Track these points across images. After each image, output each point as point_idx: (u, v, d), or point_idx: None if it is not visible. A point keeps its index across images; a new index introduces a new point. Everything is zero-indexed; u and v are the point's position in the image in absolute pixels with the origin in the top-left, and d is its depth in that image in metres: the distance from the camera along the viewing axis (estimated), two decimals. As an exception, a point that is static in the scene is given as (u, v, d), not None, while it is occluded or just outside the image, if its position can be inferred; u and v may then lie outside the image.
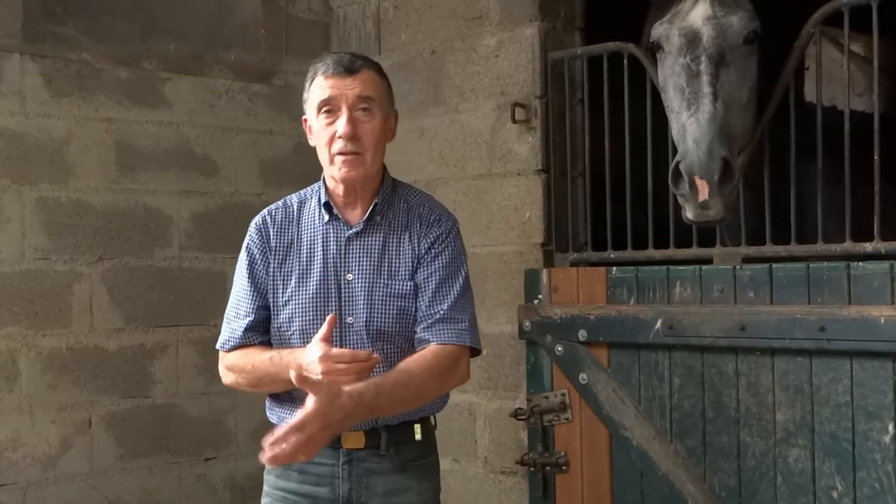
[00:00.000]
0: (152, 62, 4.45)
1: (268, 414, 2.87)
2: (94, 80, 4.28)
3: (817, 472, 3.19)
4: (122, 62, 4.37)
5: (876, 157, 3.19)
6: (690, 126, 3.10)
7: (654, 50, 3.37)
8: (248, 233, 2.86)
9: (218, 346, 2.86)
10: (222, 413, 4.62)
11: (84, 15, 4.26)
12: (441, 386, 2.74)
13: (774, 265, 3.31)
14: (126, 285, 4.36)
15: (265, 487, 2.86)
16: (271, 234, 2.82)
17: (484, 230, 4.22)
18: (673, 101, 3.25)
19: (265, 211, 2.88)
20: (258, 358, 2.74)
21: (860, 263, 3.12)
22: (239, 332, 2.79)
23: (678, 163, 3.11)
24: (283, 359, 2.68)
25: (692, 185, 3.07)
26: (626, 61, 3.72)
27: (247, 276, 2.81)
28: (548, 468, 3.82)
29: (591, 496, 3.73)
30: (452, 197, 4.26)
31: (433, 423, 2.89)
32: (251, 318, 2.79)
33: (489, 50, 4.26)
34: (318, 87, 2.72)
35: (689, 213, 3.15)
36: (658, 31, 3.30)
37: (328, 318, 2.58)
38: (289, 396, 2.76)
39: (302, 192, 2.90)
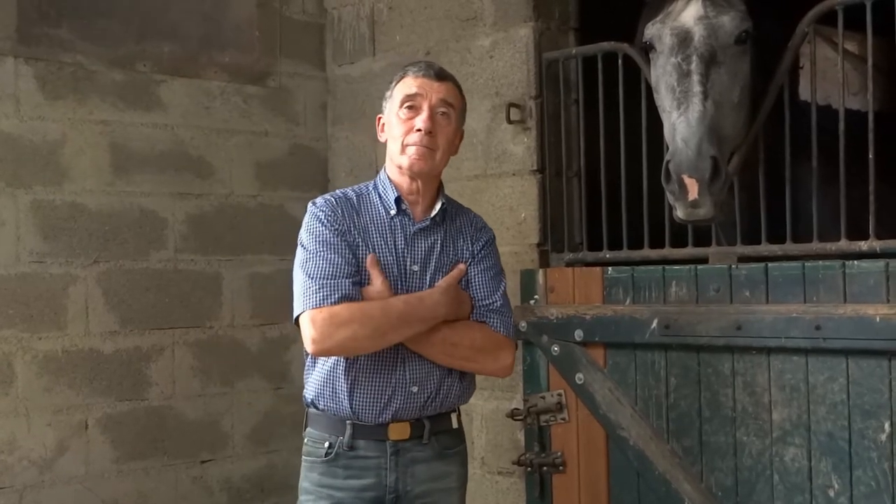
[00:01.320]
0: (147, 64, 4.45)
1: (311, 397, 2.92)
2: (88, 82, 4.28)
3: (814, 470, 3.19)
4: (116, 64, 4.36)
5: (870, 156, 3.19)
6: (680, 125, 3.11)
7: (647, 50, 3.38)
8: (318, 210, 2.88)
9: (314, 303, 2.75)
10: (218, 415, 4.61)
11: (78, 17, 4.26)
12: (478, 356, 2.90)
13: (770, 264, 3.31)
14: (121, 288, 4.35)
15: (305, 484, 2.91)
16: (341, 213, 2.88)
17: (479, 231, 4.21)
18: (664, 101, 3.25)
19: (327, 195, 2.95)
20: (390, 303, 2.78)
21: (855, 262, 3.13)
22: (347, 285, 2.78)
23: (668, 162, 3.12)
24: (422, 298, 2.82)
25: (681, 184, 3.07)
26: (620, 61, 3.73)
27: (340, 241, 2.83)
28: (545, 468, 3.82)
29: (588, 496, 3.73)
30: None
31: (459, 413, 3.03)
32: (354, 277, 2.81)
33: (484, 51, 4.26)
34: (405, 85, 2.90)
35: (679, 212, 3.16)
36: (650, 31, 3.30)
37: (459, 266, 2.92)
38: (332, 388, 2.84)
39: (355, 187, 3.02)
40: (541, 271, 3.91)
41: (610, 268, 3.70)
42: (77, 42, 4.26)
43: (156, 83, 4.48)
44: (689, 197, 3.07)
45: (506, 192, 4.19)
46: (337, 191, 3.00)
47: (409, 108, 2.87)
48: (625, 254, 3.77)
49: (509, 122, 4.11)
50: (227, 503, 4.63)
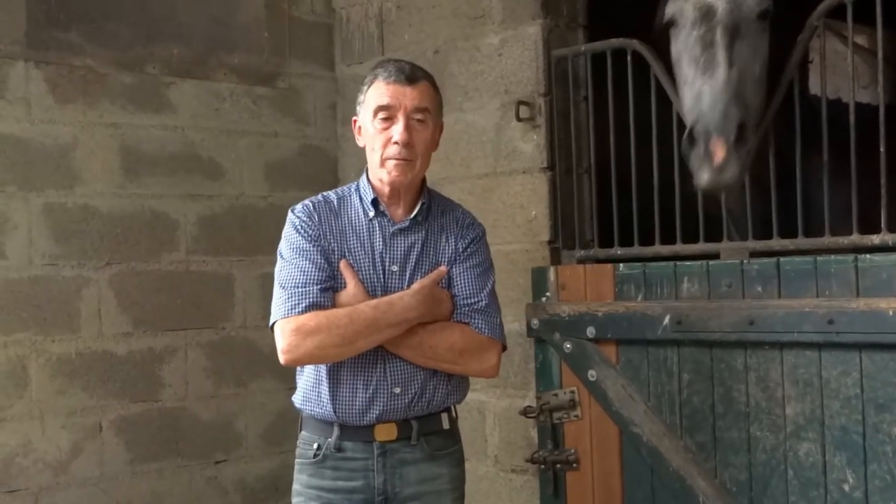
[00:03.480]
0: (156, 66, 4.46)
1: (298, 403, 2.93)
2: (98, 85, 4.29)
3: (828, 465, 3.19)
4: (125, 67, 4.37)
5: (882, 149, 3.19)
6: (705, 91, 3.12)
7: (667, 27, 3.37)
8: (295, 217, 2.89)
9: (282, 313, 2.78)
10: (232, 416, 4.62)
11: (87, 21, 4.27)
12: (459, 358, 2.86)
13: (782, 259, 3.30)
14: (134, 290, 4.36)
15: (296, 486, 2.91)
16: (318, 219, 2.88)
17: (490, 229, 4.16)
18: (687, 73, 3.25)
19: (306, 201, 2.93)
20: (358, 309, 2.75)
21: (868, 256, 3.12)
22: (315, 292, 2.77)
23: (692, 128, 3.10)
24: (392, 302, 2.77)
25: (707, 148, 3.05)
26: (629, 57, 3.73)
27: (313, 247, 2.83)
28: (558, 466, 3.82)
29: (601, 493, 3.73)
30: (458, 196, 4.22)
31: (454, 413, 3.00)
32: (325, 283, 2.80)
33: (492, 49, 4.26)
34: (377, 92, 2.83)
35: (703, 178, 3.12)
36: (672, 7, 3.30)
37: (439, 269, 2.87)
38: (317, 394, 2.85)
39: (339, 189, 3.01)
40: (552, 269, 3.91)
41: (621, 264, 3.70)
42: (86, 45, 4.27)
43: (165, 85, 4.48)
44: (715, 160, 3.05)
45: (516, 190, 4.19)
46: (320, 194, 2.97)
47: (384, 118, 2.81)
48: (636, 250, 3.77)
49: (519, 119, 4.11)
50: (242, 503, 4.64)
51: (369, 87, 2.86)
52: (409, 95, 2.81)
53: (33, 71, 4.13)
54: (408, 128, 2.79)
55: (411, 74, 2.84)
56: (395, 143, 2.79)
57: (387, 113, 2.81)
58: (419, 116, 2.82)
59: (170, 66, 4.50)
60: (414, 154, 2.82)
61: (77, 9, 4.24)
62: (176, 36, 4.52)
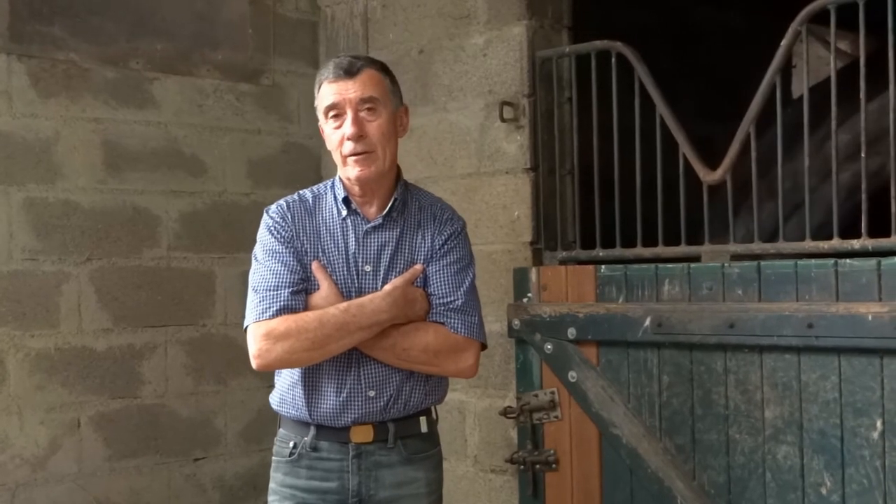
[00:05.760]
0: (140, 62, 4.44)
1: (275, 405, 2.91)
2: (81, 80, 4.27)
3: (806, 468, 3.20)
4: (109, 62, 4.35)
5: (862, 155, 3.20)
6: None
7: None
8: (269, 219, 2.85)
9: (254, 317, 2.75)
10: (211, 413, 4.61)
11: (71, 15, 4.25)
12: (434, 359, 2.79)
13: (763, 262, 3.32)
14: (114, 285, 4.34)
15: (271, 485, 2.88)
16: (292, 220, 2.84)
17: (473, 229, 4.17)
18: None
19: (281, 201, 2.89)
20: (328, 313, 2.71)
21: (848, 261, 3.14)
22: (286, 295, 2.74)
23: None
24: (363, 304, 2.72)
25: None
26: (613, 59, 3.74)
27: (286, 249, 2.79)
28: (537, 466, 3.83)
29: (580, 494, 3.73)
30: (441, 196, 4.24)
31: (435, 415, 2.96)
32: (296, 286, 2.77)
33: (477, 49, 4.26)
34: (324, 94, 2.80)
35: None
36: None
37: (414, 268, 2.81)
38: (292, 396, 2.82)
39: (314, 187, 2.95)
40: (534, 269, 3.91)
41: (603, 266, 3.71)
42: (69, 40, 4.25)
43: (148, 81, 4.47)
44: None
45: (499, 191, 4.19)
46: (296, 193, 2.93)
47: (334, 116, 2.78)
48: (618, 252, 3.78)
49: (503, 120, 4.11)
50: (220, 501, 4.63)
51: (318, 90, 2.83)
52: (352, 88, 2.75)
53: (16, 64, 4.11)
54: (356, 121, 2.74)
55: (349, 67, 2.77)
56: (349, 139, 2.75)
57: (335, 111, 2.77)
58: (367, 106, 2.76)
59: (153, 61, 4.48)
60: (371, 145, 2.76)
61: (60, 2, 4.22)
62: (160, 31, 4.50)
